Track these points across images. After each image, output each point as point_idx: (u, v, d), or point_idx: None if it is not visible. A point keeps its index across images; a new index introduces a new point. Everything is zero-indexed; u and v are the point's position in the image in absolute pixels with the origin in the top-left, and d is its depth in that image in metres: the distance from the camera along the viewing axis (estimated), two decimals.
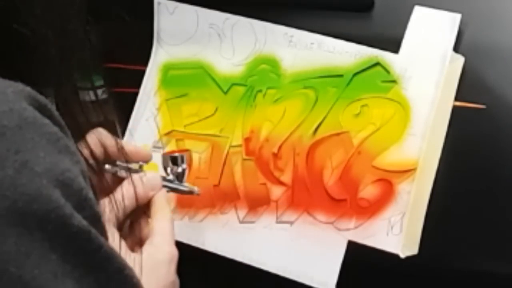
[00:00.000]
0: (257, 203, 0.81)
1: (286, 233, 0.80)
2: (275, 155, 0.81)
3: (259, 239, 0.81)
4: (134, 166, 0.73)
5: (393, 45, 0.77)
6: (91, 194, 0.44)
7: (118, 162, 0.72)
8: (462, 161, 0.78)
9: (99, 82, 1.53)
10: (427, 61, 0.76)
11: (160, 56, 0.89)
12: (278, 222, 0.80)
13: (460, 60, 0.76)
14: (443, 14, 0.76)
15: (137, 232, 0.72)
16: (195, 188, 0.77)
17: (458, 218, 0.80)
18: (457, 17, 0.75)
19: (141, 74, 0.90)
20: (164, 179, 0.74)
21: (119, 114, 0.92)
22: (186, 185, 0.76)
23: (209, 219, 0.83)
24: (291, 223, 0.80)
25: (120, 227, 0.72)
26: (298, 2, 0.87)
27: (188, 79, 0.87)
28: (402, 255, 0.73)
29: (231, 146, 0.83)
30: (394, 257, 0.73)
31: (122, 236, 0.72)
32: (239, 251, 0.81)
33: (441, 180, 0.75)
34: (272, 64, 0.83)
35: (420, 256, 0.75)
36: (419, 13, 0.77)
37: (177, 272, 0.70)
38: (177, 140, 0.84)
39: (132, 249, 0.71)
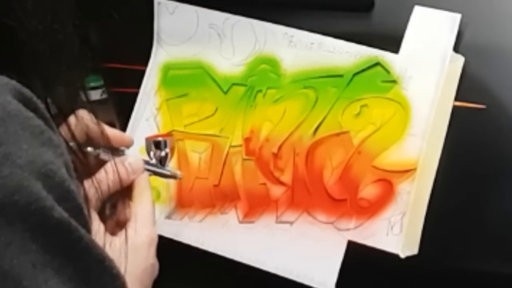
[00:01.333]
0: (257, 203, 0.81)
1: (286, 233, 0.80)
2: (275, 155, 0.81)
3: (259, 239, 0.81)
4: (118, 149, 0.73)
5: (393, 45, 0.77)
6: (73, 186, 0.45)
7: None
8: (462, 161, 0.78)
9: (99, 82, 1.54)
10: (427, 61, 0.76)
11: (160, 56, 0.89)
12: (278, 222, 0.80)
13: (460, 60, 0.76)
14: (443, 14, 0.76)
15: (118, 215, 0.72)
16: (178, 172, 0.76)
17: (458, 218, 0.80)
18: (457, 17, 0.75)
19: (141, 74, 0.90)
20: (147, 163, 0.74)
21: (119, 114, 0.92)
22: (168, 169, 0.75)
23: (209, 219, 0.83)
24: (291, 223, 0.80)
25: (101, 210, 0.72)
26: (298, 2, 0.87)
27: (188, 79, 0.87)
28: (402, 255, 0.73)
29: (231, 146, 0.83)
30: (394, 257, 0.73)
31: (103, 218, 0.72)
32: (239, 251, 0.81)
33: (441, 180, 0.75)
34: (272, 64, 0.83)
35: (420, 256, 0.75)
36: (419, 13, 0.77)
37: (177, 272, 0.70)
38: (177, 140, 0.84)
39: (113, 232, 0.71)
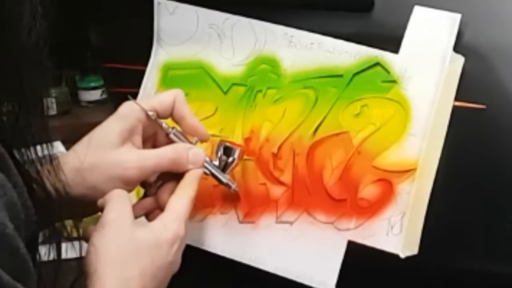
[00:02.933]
0: (257, 203, 0.81)
1: (286, 233, 0.80)
2: (275, 155, 0.81)
3: (259, 239, 0.81)
4: (189, 138, 0.76)
5: (393, 45, 0.77)
6: (10, 229, 0.45)
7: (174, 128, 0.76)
8: (462, 161, 0.78)
9: (99, 82, 1.53)
10: (427, 61, 0.76)
11: (160, 56, 0.89)
12: (278, 222, 0.80)
13: (460, 60, 0.76)
14: (443, 14, 0.76)
15: (161, 197, 0.74)
16: (234, 185, 0.78)
17: (458, 218, 0.80)
18: (457, 17, 0.75)
19: (141, 74, 0.90)
20: (210, 161, 0.76)
21: None
22: (226, 177, 0.77)
23: (209, 219, 0.83)
24: (291, 223, 0.80)
25: (149, 185, 0.75)
26: (298, 2, 0.87)
27: (188, 79, 0.87)
28: (402, 255, 0.73)
29: None
30: (394, 257, 0.73)
31: (150, 193, 0.75)
32: (239, 251, 0.81)
33: (441, 180, 0.75)
34: (272, 64, 0.83)
35: (420, 256, 0.75)
36: (419, 13, 0.77)
37: (177, 272, 0.70)
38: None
39: (151, 212, 0.75)
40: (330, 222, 0.78)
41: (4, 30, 0.50)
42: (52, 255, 0.59)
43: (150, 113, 0.74)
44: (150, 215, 0.75)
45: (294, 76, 0.82)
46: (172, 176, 0.75)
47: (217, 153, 0.78)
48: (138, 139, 0.74)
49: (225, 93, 0.85)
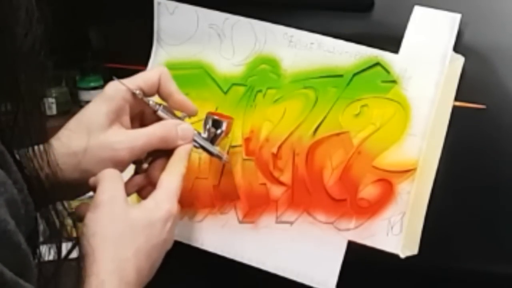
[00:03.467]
0: (257, 203, 0.81)
1: (286, 233, 0.80)
2: (275, 155, 0.81)
3: (259, 239, 0.81)
4: (177, 114, 0.76)
5: (393, 45, 0.77)
6: (11, 226, 0.45)
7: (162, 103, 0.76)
8: (462, 161, 0.78)
9: (99, 82, 1.53)
10: (427, 61, 0.76)
11: (160, 56, 0.89)
12: (278, 222, 0.80)
13: (460, 60, 0.76)
14: (443, 14, 0.76)
15: (152, 174, 0.75)
16: (224, 156, 0.78)
17: (458, 218, 0.80)
18: (457, 17, 0.75)
19: None
20: (199, 135, 0.76)
21: None
22: (216, 148, 0.78)
23: (209, 219, 0.83)
24: (291, 223, 0.80)
25: (139, 162, 0.75)
26: (298, 2, 0.87)
27: (188, 79, 0.87)
28: (402, 255, 0.73)
29: (231, 146, 0.83)
30: (394, 257, 0.73)
31: (141, 170, 0.75)
32: (239, 251, 0.81)
33: (441, 180, 0.75)
34: (272, 64, 0.83)
35: (420, 256, 0.75)
36: (419, 13, 0.77)
37: (177, 272, 0.70)
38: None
39: (143, 188, 0.75)
40: (330, 222, 0.78)
41: (1, 33, 0.50)
42: (52, 255, 0.59)
43: (136, 91, 0.74)
44: (141, 192, 0.75)
45: (294, 76, 0.82)
46: (162, 152, 0.75)
47: (205, 126, 0.78)
48: (126, 119, 0.74)
49: (225, 93, 0.85)
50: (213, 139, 0.78)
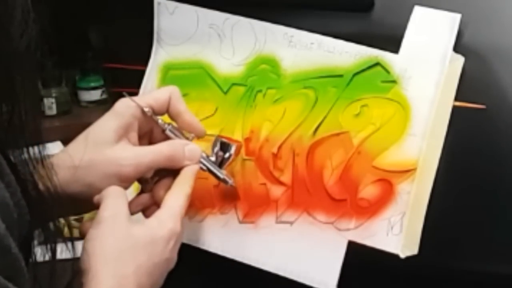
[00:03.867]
0: (257, 203, 0.81)
1: (286, 233, 0.80)
2: (275, 155, 0.81)
3: (259, 239, 0.81)
4: (186, 134, 0.76)
5: (393, 45, 0.77)
6: (1, 229, 0.45)
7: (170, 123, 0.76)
8: (462, 161, 0.78)
9: (99, 82, 1.53)
10: (427, 61, 0.76)
11: (160, 56, 0.89)
12: (278, 222, 0.80)
13: (460, 60, 0.76)
14: (443, 14, 0.76)
15: (157, 193, 0.74)
16: (231, 180, 0.78)
17: (458, 218, 0.80)
18: (457, 17, 0.75)
19: (141, 74, 0.90)
20: (206, 157, 0.76)
21: None
22: (223, 172, 0.78)
23: (209, 219, 0.83)
24: (291, 223, 0.80)
25: (145, 181, 0.75)
26: (298, 2, 0.87)
27: (188, 79, 0.87)
28: (402, 255, 0.73)
29: None
30: (394, 257, 0.73)
31: (146, 189, 0.75)
32: (239, 251, 0.81)
33: (441, 180, 0.75)
34: (272, 64, 0.83)
35: (420, 256, 0.75)
36: (419, 13, 0.77)
37: (177, 272, 0.70)
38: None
39: (147, 208, 0.75)
40: (330, 222, 0.78)
41: None
42: (47, 256, 0.59)
43: (146, 109, 0.74)
44: (146, 211, 0.75)
45: (294, 76, 0.82)
46: (168, 172, 0.75)
47: (213, 148, 0.78)
48: (134, 136, 0.74)
49: (225, 93, 0.85)
50: (220, 163, 0.78)
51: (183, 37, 0.88)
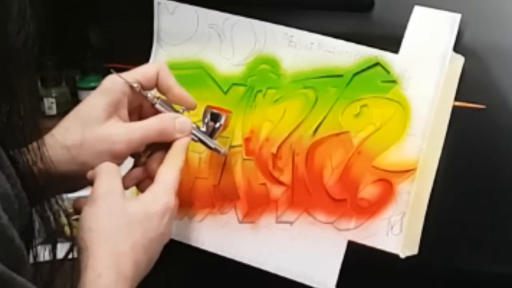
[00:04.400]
0: (257, 203, 0.81)
1: (286, 233, 0.80)
2: (275, 155, 0.81)
3: (259, 239, 0.81)
4: (176, 107, 0.77)
5: (393, 45, 0.77)
6: (4, 220, 0.45)
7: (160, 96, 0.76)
8: (462, 161, 0.78)
9: (99, 82, 1.52)
10: (427, 61, 0.76)
11: (160, 56, 0.89)
12: (278, 222, 0.80)
13: (460, 60, 0.76)
14: (443, 14, 0.76)
15: (150, 168, 0.75)
16: (223, 149, 0.78)
17: (458, 218, 0.80)
18: (457, 17, 0.75)
19: None
20: (197, 128, 0.76)
21: None
22: (214, 142, 0.78)
23: (209, 219, 0.83)
24: (291, 223, 0.80)
25: (138, 155, 0.76)
26: (298, 2, 0.87)
27: (188, 79, 0.87)
28: (402, 255, 0.73)
29: (231, 146, 0.83)
30: (394, 257, 0.73)
31: (139, 163, 0.74)
32: (239, 251, 0.81)
33: (441, 180, 0.75)
34: (272, 64, 0.83)
35: (420, 256, 0.75)
36: (419, 13, 0.77)
37: (177, 272, 0.70)
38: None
39: (141, 181, 0.75)
40: (330, 222, 0.78)
41: None
42: (48, 256, 0.59)
43: (135, 85, 0.74)
44: (140, 185, 0.76)
45: (294, 76, 0.82)
46: (161, 145, 0.75)
47: (204, 119, 0.78)
48: (124, 112, 0.74)
49: (225, 93, 0.85)
50: (211, 133, 0.78)
51: (183, 37, 0.88)
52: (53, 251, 0.59)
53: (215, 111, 0.78)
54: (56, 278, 0.59)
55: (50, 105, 1.46)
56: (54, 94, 1.47)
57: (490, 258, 0.80)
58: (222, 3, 0.86)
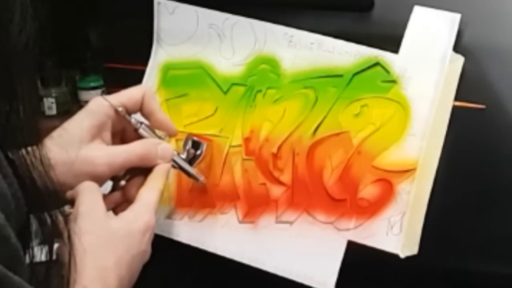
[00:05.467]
0: (257, 203, 0.81)
1: (286, 233, 0.80)
2: (275, 155, 0.81)
3: (258, 239, 0.81)
4: (158, 133, 0.77)
5: (393, 45, 0.77)
6: (0, 219, 0.45)
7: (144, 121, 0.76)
8: (462, 161, 0.78)
9: (99, 82, 1.53)
10: (427, 61, 0.76)
11: (160, 56, 0.89)
12: (277, 222, 0.80)
13: (460, 60, 0.76)
14: (443, 14, 0.76)
15: (129, 191, 0.75)
16: (201, 177, 0.79)
17: (458, 218, 0.80)
18: (457, 17, 0.75)
19: (141, 74, 0.90)
20: (178, 155, 0.77)
21: None
22: (193, 169, 0.79)
23: (209, 219, 0.83)
24: (291, 223, 0.80)
25: (118, 179, 0.75)
26: (298, 2, 0.87)
27: (188, 79, 0.87)
28: (402, 255, 0.73)
29: (231, 146, 0.83)
30: (394, 257, 0.73)
31: (118, 187, 0.75)
32: (239, 251, 0.81)
33: (441, 180, 0.75)
34: (272, 64, 0.83)
35: (420, 256, 0.75)
36: (419, 13, 0.77)
37: (177, 272, 0.70)
38: (177, 140, 0.84)
39: (118, 205, 0.75)
40: (330, 222, 0.78)
41: None
42: (44, 256, 0.59)
43: (120, 109, 0.74)
44: (117, 209, 0.76)
45: (294, 76, 0.82)
46: (140, 170, 0.75)
47: (184, 146, 0.79)
48: (107, 135, 0.74)
49: (225, 93, 0.85)
50: (191, 160, 0.79)
51: (183, 37, 0.88)
52: (50, 252, 0.59)
53: (196, 139, 0.79)
54: (52, 279, 0.59)
55: (50, 105, 1.46)
56: (54, 94, 1.47)
57: (490, 258, 0.80)
58: (222, 3, 0.86)
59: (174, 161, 0.76)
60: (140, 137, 0.75)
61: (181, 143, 0.81)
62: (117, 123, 0.75)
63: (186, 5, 0.87)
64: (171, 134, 0.78)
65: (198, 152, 0.79)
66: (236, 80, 0.85)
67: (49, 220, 0.59)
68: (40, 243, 0.58)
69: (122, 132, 0.77)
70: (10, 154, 0.54)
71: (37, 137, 0.58)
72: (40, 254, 0.58)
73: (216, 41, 0.86)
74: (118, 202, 0.76)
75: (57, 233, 0.61)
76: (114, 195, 0.76)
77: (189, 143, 0.79)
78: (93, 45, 1.12)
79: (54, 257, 0.62)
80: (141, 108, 0.76)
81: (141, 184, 0.73)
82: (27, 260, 0.54)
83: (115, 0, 1.02)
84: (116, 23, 1.03)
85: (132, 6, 0.97)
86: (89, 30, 1.11)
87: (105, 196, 0.75)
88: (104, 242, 0.64)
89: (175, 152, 0.77)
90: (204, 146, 0.80)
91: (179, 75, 0.88)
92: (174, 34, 0.88)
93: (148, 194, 0.71)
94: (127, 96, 0.76)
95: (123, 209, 0.71)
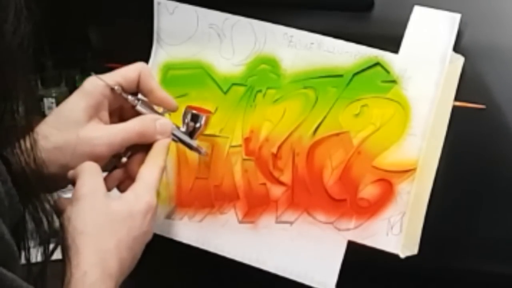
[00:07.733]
0: (257, 203, 0.81)
1: (286, 233, 0.80)
2: (275, 155, 0.81)
3: (258, 239, 0.81)
4: (157, 108, 0.77)
5: (393, 45, 0.77)
6: None
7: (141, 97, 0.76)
8: (462, 161, 0.78)
9: None
10: (427, 61, 0.76)
11: (160, 56, 0.89)
12: (277, 222, 0.80)
13: (460, 60, 0.76)
14: (443, 14, 0.76)
15: (131, 169, 0.75)
16: (203, 149, 0.79)
17: (458, 218, 0.80)
18: (457, 17, 0.75)
19: None
20: (177, 129, 0.77)
21: None
22: (194, 142, 0.78)
23: (209, 219, 0.83)
24: (291, 223, 0.80)
25: (119, 156, 0.75)
26: (298, 2, 0.87)
27: (188, 79, 0.87)
28: (402, 255, 0.73)
29: (231, 146, 0.83)
30: (394, 257, 0.73)
31: (120, 165, 0.74)
32: (239, 251, 0.81)
33: (441, 180, 0.75)
34: (272, 64, 0.83)
35: (420, 256, 0.75)
36: (419, 13, 0.77)
37: (177, 272, 0.70)
38: (176, 141, 0.84)
39: (122, 182, 0.75)
40: (330, 222, 0.78)
41: None
42: (40, 257, 0.59)
43: (115, 87, 0.74)
44: (121, 186, 0.76)
45: (294, 76, 0.82)
46: (141, 146, 0.75)
47: (184, 119, 0.78)
48: (104, 114, 0.74)
49: (225, 93, 0.85)
50: (191, 133, 0.78)
51: (183, 37, 0.88)
52: (45, 252, 0.59)
53: (195, 111, 0.78)
54: (47, 279, 0.59)
55: (50, 105, 1.46)
56: (54, 94, 1.47)
57: (490, 258, 0.80)
58: (222, 3, 0.86)
59: (174, 135, 0.76)
60: (138, 114, 0.75)
61: (180, 143, 0.81)
62: (113, 101, 0.75)
63: (186, 5, 0.87)
64: (171, 110, 0.77)
65: (198, 124, 0.78)
66: (236, 80, 0.85)
67: (44, 221, 0.59)
68: (39, 244, 0.58)
69: (120, 110, 0.77)
70: (4, 152, 0.54)
71: (32, 136, 0.58)
72: (35, 254, 0.58)
73: (216, 41, 0.86)
74: (121, 180, 0.76)
75: (53, 233, 0.61)
76: (117, 172, 0.76)
77: (188, 116, 0.78)
78: (93, 45, 1.12)
79: (50, 257, 0.62)
80: (138, 87, 0.76)
81: (143, 160, 0.73)
82: (23, 259, 0.54)
83: (115, 0, 1.02)
84: (116, 23, 1.03)
85: (132, 6, 0.97)
86: (89, 30, 1.11)
87: (107, 175, 0.75)
88: (104, 224, 0.64)
89: (174, 126, 0.76)
90: (204, 118, 0.78)
91: (179, 75, 0.88)
92: (174, 34, 0.88)
93: (149, 172, 0.71)
94: (122, 74, 0.75)
95: (127, 186, 0.71)
